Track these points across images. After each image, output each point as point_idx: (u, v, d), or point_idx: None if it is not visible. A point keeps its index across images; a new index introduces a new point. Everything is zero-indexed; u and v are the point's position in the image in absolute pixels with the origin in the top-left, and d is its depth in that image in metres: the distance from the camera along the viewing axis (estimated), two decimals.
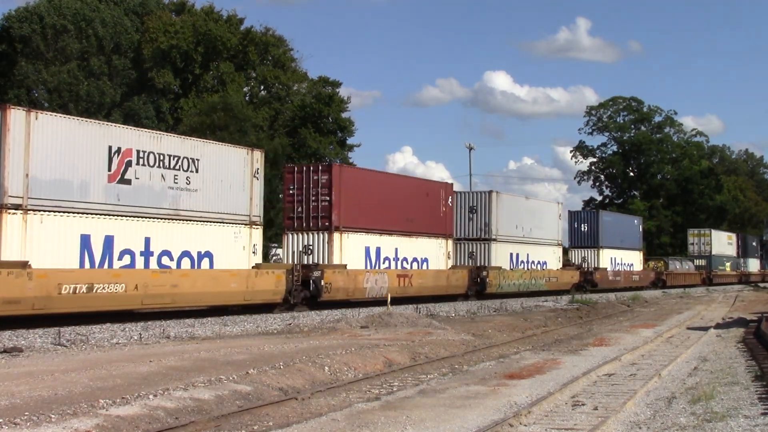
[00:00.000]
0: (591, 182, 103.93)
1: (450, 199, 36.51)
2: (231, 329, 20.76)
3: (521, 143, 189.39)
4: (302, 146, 52.31)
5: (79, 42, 49.33)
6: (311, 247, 29.43)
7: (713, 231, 75.51)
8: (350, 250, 30.12)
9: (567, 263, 49.06)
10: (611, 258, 52.92)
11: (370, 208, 31.22)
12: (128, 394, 10.65)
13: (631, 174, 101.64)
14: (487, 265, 38.57)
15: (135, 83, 51.94)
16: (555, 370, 15.21)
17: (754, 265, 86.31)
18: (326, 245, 29.32)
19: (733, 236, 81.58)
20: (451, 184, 37.81)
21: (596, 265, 50.82)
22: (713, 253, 73.12)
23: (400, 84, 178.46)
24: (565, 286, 45.79)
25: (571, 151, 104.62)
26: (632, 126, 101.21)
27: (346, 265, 29.55)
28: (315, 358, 14.50)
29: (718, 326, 25.69)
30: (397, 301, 30.06)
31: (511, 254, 40.94)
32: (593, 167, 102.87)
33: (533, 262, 43.01)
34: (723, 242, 76.89)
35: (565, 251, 52.38)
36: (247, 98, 54.41)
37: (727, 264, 76.79)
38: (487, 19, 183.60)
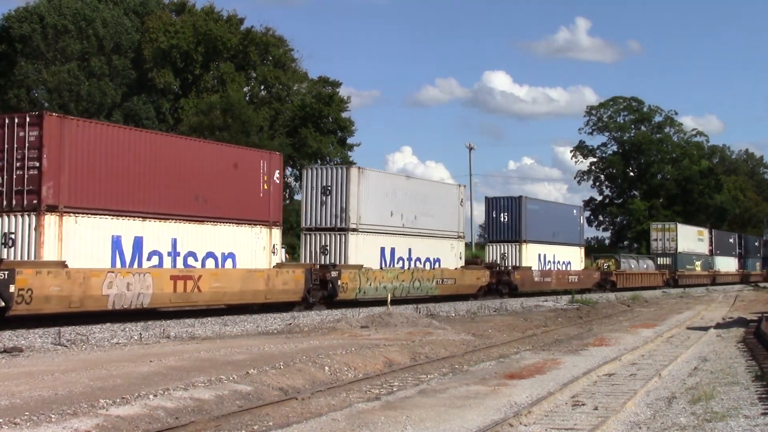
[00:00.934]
0: (591, 182, 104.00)
1: (277, 174, 26.71)
2: (231, 329, 20.76)
3: (521, 143, 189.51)
4: (303, 146, 52.32)
5: (80, 42, 49.33)
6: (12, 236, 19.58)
7: (679, 225, 66.92)
8: (82, 241, 20.30)
9: (473, 261, 40.99)
10: (540, 255, 43.85)
11: (121, 180, 21.42)
12: (128, 394, 10.65)
13: (631, 174, 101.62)
14: (341, 263, 29.97)
15: (135, 83, 51.94)
16: (555, 370, 15.21)
17: (729, 264, 77.54)
18: (31, 231, 19.52)
19: (705, 231, 72.82)
20: (280, 155, 27.93)
21: (516, 263, 41.77)
22: (679, 250, 64.34)
23: (399, 84, 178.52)
24: (469, 290, 37.51)
25: (571, 151, 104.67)
26: (632, 126, 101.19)
27: (65, 263, 19.71)
28: (315, 358, 14.50)
29: (718, 326, 25.68)
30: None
31: (383, 249, 32.15)
32: (593, 167, 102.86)
33: (419, 259, 34.51)
34: (691, 238, 68.39)
35: (483, 247, 48.09)
36: (247, 98, 54.41)
37: (697, 263, 68.22)
38: (487, 19, 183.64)
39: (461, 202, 38.02)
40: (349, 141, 60.15)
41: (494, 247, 42.47)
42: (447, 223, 36.55)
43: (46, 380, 11.57)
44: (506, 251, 41.88)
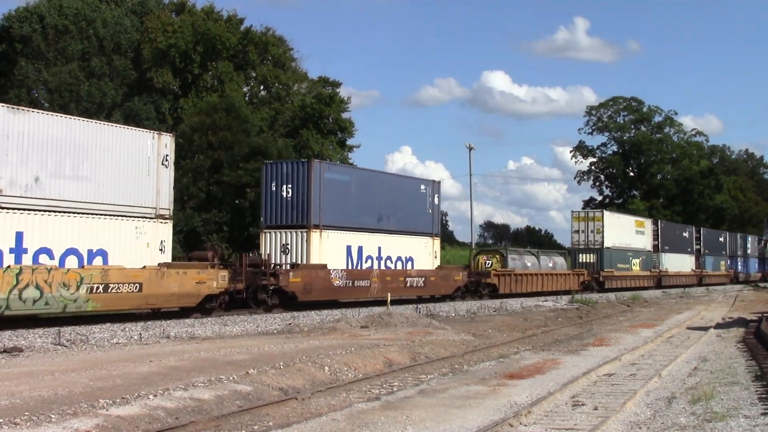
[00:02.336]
0: (591, 182, 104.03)
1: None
2: (231, 329, 20.77)
3: (520, 143, 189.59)
4: (304, 148, 52.27)
5: (80, 42, 49.32)
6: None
7: (608, 213, 54.36)
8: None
9: (197, 256, 25.65)
10: (350, 247, 30.51)
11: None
12: (128, 394, 10.66)
13: (631, 174, 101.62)
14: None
15: (135, 83, 51.93)
16: (555, 370, 15.21)
17: (682, 262, 65.34)
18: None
19: (647, 223, 60.53)
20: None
21: (302, 259, 28.63)
22: (607, 244, 51.38)
23: (398, 84, 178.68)
24: (191, 301, 23.93)
25: (571, 151, 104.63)
26: (632, 126, 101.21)
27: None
28: (315, 358, 14.50)
29: (718, 326, 25.69)
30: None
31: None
32: (593, 167, 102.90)
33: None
34: (626, 230, 55.39)
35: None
36: (246, 98, 54.38)
37: (635, 261, 55.85)
38: (485, 19, 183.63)
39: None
40: (349, 142, 60.08)
41: (271, 235, 29.39)
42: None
43: (46, 380, 11.57)
44: (290, 240, 29.02)
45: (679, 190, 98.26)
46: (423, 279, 33.79)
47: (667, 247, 61.98)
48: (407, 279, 32.90)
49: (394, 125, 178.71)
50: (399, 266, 32.97)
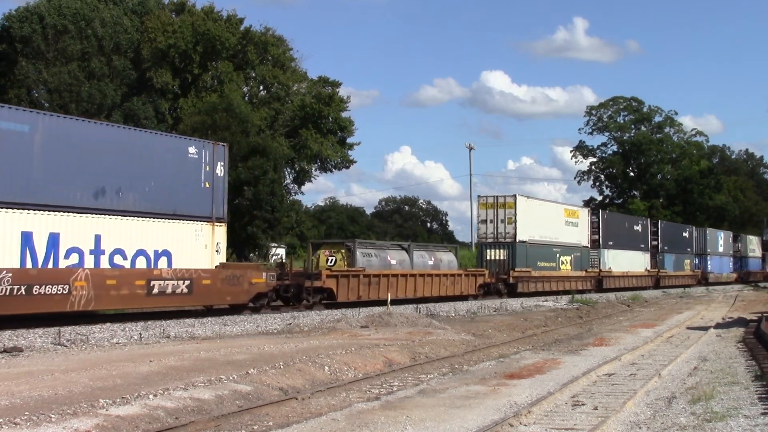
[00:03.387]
0: (591, 182, 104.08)
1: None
2: (231, 329, 20.76)
3: (520, 143, 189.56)
4: (303, 147, 52.30)
5: (80, 42, 49.34)
6: None
7: (521, 198, 42.58)
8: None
9: None
10: (27, 235, 20.09)
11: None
12: (128, 394, 10.66)
13: (631, 174, 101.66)
14: None
15: (135, 83, 51.94)
16: (555, 370, 15.21)
17: (632, 261, 55.50)
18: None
19: (583, 213, 49.82)
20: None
21: None
22: (520, 237, 41.51)
23: (397, 84, 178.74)
24: None
25: (571, 151, 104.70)
26: (632, 126, 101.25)
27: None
28: (315, 358, 14.50)
29: (718, 326, 25.69)
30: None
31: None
32: (593, 167, 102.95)
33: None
34: (550, 221, 45.03)
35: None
36: (246, 98, 54.39)
37: (564, 258, 46.01)
38: (485, 19, 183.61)
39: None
40: (349, 140, 60.10)
41: None
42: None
43: (46, 380, 11.57)
44: None
45: (679, 190, 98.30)
46: (187, 283, 23.61)
47: (611, 243, 51.54)
48: (154, 283, 22.65)
49: (394, 125, 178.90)
50: (142, 264, 22.80)
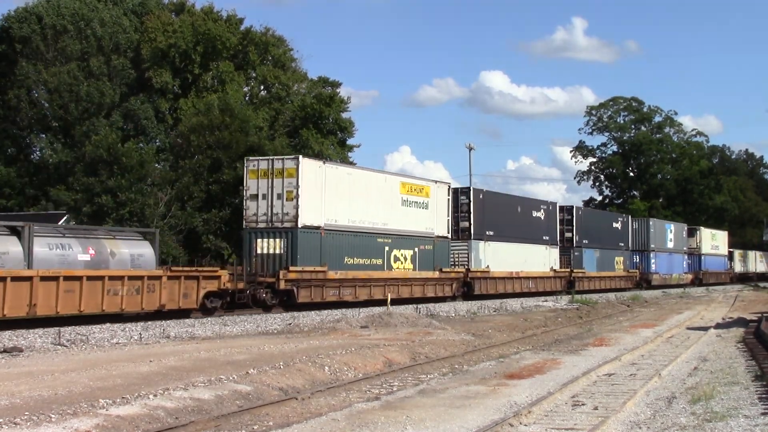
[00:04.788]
0: (591, 182, 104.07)
1: None
2: (231, 329, 20.76)
3: (519, 143, 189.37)
4: (304, 147, 52.25)
5: (79, 42, 49.33)
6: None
7: (306, 161, 28.89)
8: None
9: None
10: None
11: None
12: (128, 394, 10.65)
13: (631, 174, 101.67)
14: None
15: (134, 83, 51.92)
16: (555, 370, 15.21)
17: (527, 258, 42.15)
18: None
19: (436, 189, 35.37)
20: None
21: None
22: (304, 221, 28.13)
23: (397, 84, 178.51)
24: None
25: (571, 151, 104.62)
26: (632, 126, 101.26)
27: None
28: (315, 358, 14.50)
29: (718, 326, 25.69)
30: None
31: None
32: (593, 167, 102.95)
33: None
34: (373, 199, 31.63)
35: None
36: (246, 98, 54.38)
37: (403, 254, 32.92)
38: (484, 19, 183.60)
39: None
40: (349, 142, 60.05)
41: None
42: None
43: (46, 380, 11.56)
44: None
45: (679, 190, 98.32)
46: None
47: (491, 233, 39.11)
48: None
49: (394, 125, 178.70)
50: None
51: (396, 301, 30.61)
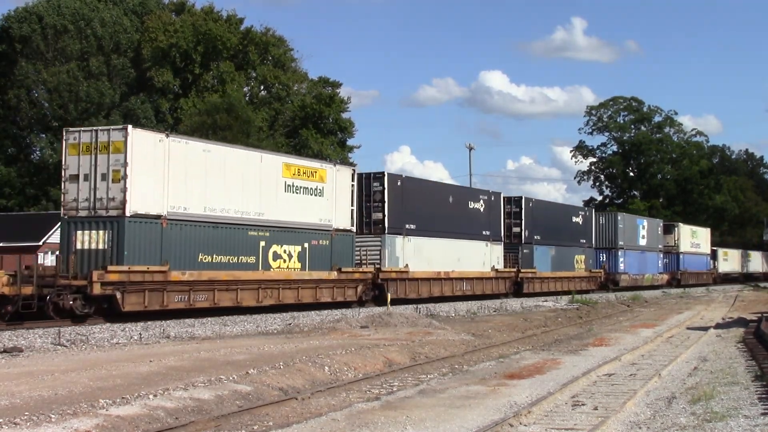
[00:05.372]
0: (591, 182, 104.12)
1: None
2: (231, 329, 20.76)
3: (519, 143, 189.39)
4: (304, 147, 52.29)
5: (79, 42, 49.36)
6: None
7: (137, 132, 22.79)
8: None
9: None
10: None
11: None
12: (128, 394, 10.65)
13: (631, 174, 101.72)
14: None
15: (134, 83, 51.95)
16: (555, 370, 15.21)
17: (461, 255, 36.28)
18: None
19: (339, 174, 29.68)
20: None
21: None
22: (134, 208, 22.10)
23: (397, 84, 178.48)
24: None
25: (571, 151, 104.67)
26: (632, 126, 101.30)
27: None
28: (315, 358, 14.50)
29: (717, 326, 25.69)
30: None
31: None
32: (593, 167, 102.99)
33: None
34: (239, 182, 25.49)
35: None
36: (247, 98, 54.40)
37: (285, 249, 27.14)
38: (483, 19, 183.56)
39: None
40: (349, 142, 60.11)
41: None
42: None
43: (46, 380, 11.56)
44: None
45: (679, 190, 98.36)
46: None
47: (412, 226, 32.99)
48: None
49: (393, 125, 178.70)
50: None
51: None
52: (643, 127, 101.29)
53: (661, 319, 29.42)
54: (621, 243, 53.22)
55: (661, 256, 61.65)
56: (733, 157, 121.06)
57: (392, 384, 13.40)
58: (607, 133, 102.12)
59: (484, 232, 38.51)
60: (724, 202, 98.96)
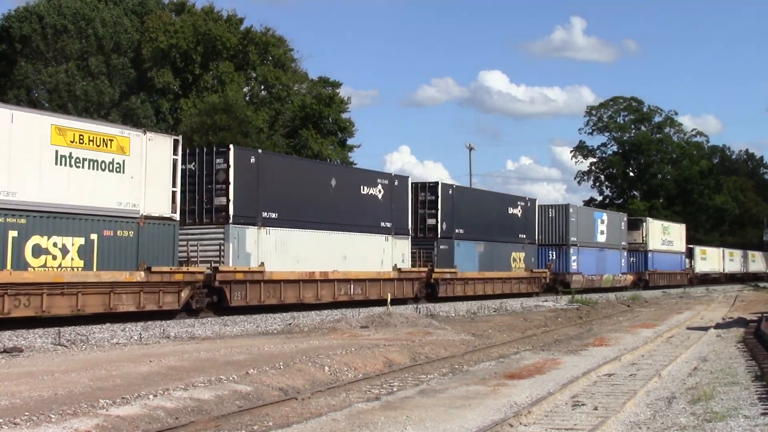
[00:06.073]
0: (591, 182, 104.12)
1: None
2: (231, 329, 20.77)
3: (519, 143, 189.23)
4: (303, 147, 52.29)
5: (79, 42, 49.37)
6: None
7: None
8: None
9: None
10: None
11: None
12: (128, 394, 10.66)
13: (631, 174, 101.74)
14: None
15: (134, 83, 51.96)
16: (555, 370, 15.21)
17: (340, 251, 29.53)
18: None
19: (150, 143, 22.51)
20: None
21: None
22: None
23: (396, 84, 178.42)
24: None
25: (571, 152, 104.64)
26: (632, 126, 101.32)
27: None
28: (315, 358, 14.50)
29: (718, 326, 25.70)
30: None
31: None
32: (593, 167, 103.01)
33: None
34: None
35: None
36: (247, 99, 54.40)
37: (58, 242, 20.11)
38: (483, 19, 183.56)
39: None
40: (349, 142, 60.07)
41: None
42: None
43: (46, 380, 11.57)
44: None
45: (679, 190, 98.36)
46: None
47: (273, 215, 26.95)
48: None
49: (393, 125, 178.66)
50: None
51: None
52: (643, 128, 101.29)
53: (661, 319, 29.43)
54: (573, 239, 47.04)
55: (625, 254, 55.47)
56: (733, 157, 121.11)
57: (392, 384, 13.41)
58: (607, 134, 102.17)
59: (383, 224, 31.66)
60: (724, 202, 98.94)
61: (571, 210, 47.30)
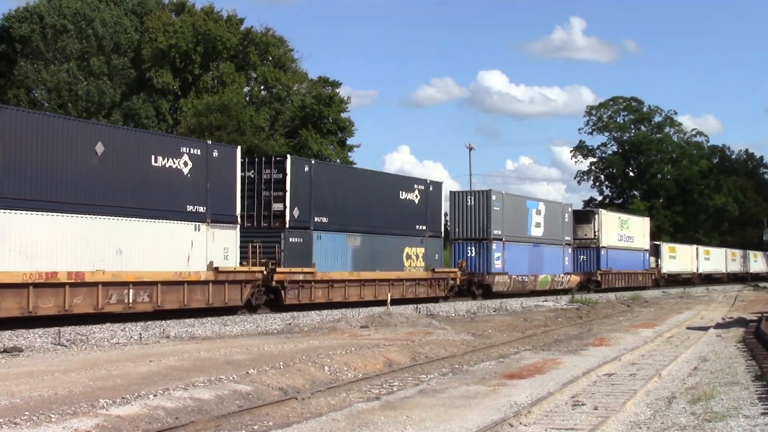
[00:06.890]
0: (591, 182, 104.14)
1: None
2: (231, 329, 20.77)
3: (518, 143, 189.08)
4: (303, 147, 52.28)
5: (79, 42, 49.37)
6: None
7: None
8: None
9: None
10: None
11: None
12: (128, 394, 10.66)
13: (631, 174, 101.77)
14: None
15: (135, 83, 51.96)
16: (555, 370, 15.21)
17: (81, 243, 20.24)
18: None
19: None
20: None
21: None
22: None
23: (396, 84, 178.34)
24: None
25: (570, 151, 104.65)
26: (632, 126, 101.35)
27: None
28: (315, 358, 14.50)
29: (718, 326, 25.70)
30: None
31: None
32: (593, 167, 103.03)
33: None
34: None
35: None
36: (247, 99, 54.40)
37: None
38: (482, 19, 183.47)
39: None
40: (349, 142, 60.05)
41: None
42: None
43: (46, 380, 11.57)
44: None
45: (679, 190, 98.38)
46: None
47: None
48: None
49: (393, 125, 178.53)
50: None
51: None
52: (642, 127, 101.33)
53: (661, 319, 29.43)
54: (497, 232, 39.21)
55: (570, 251, 47.25)
56: (733, 157, 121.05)
57: (392, 384, 13.41)
58: (606, 133, 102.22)
59: (189, 209, 23.53)
60: (724, 202, 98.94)
61: (494, 197, 39.16)
